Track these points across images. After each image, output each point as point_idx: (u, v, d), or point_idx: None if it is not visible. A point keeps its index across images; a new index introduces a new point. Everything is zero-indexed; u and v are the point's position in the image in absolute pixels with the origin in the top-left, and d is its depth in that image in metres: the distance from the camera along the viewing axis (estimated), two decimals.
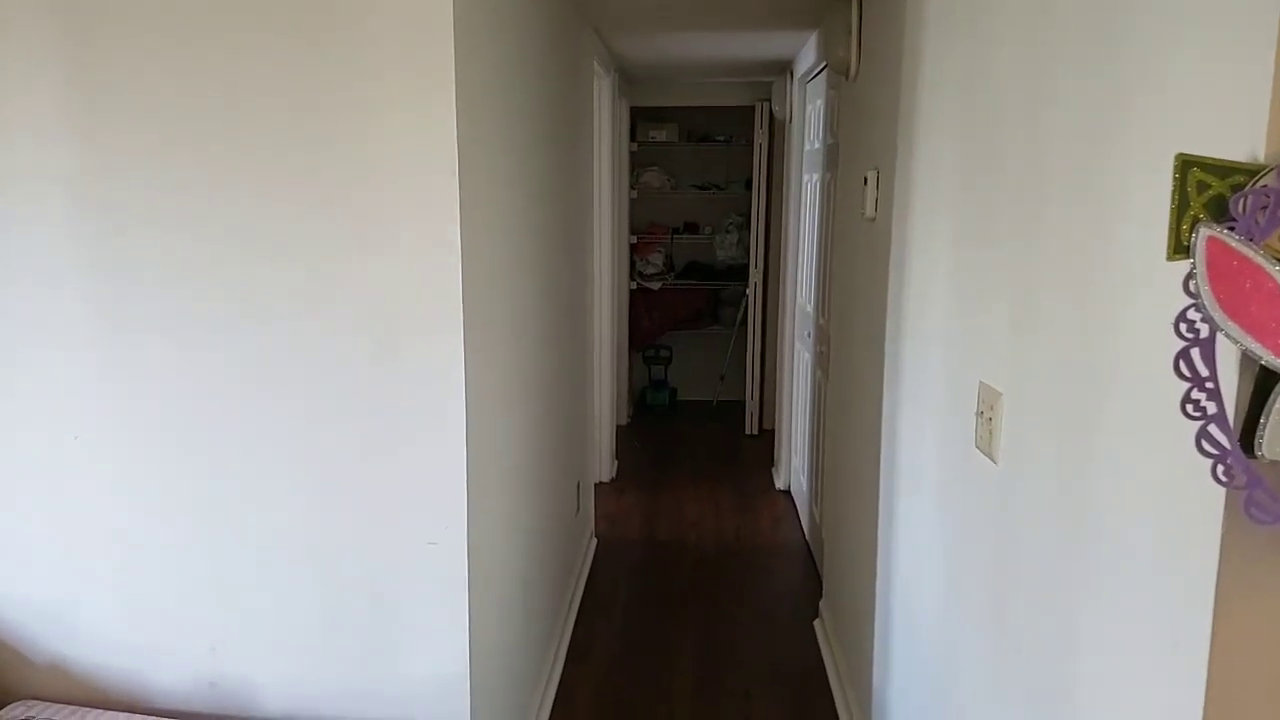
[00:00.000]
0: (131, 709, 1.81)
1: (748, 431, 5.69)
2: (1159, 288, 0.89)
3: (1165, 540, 0.93)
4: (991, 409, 1.42)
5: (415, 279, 1.67)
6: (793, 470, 4.57)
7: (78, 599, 1.82)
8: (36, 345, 1.74)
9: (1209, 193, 0.77)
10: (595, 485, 4.27)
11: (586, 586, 3.58)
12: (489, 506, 1.95)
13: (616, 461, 5.01)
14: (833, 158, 3.39)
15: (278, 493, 1.75)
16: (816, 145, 3.91)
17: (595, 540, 4.00)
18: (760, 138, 5.32)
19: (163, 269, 1.69)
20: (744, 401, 5.71)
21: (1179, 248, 0.79)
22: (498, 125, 1.98)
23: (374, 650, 1.80)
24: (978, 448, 1.49)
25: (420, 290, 1.67)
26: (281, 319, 1.69)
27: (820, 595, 3.38)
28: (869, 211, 2.44)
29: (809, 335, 4.03)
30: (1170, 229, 0.79)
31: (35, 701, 1.80)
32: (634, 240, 5.95)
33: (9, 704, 1.79)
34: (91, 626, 1.83)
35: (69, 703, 1.81)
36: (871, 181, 2.42)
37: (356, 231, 1.66)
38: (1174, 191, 0.78)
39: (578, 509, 3.53)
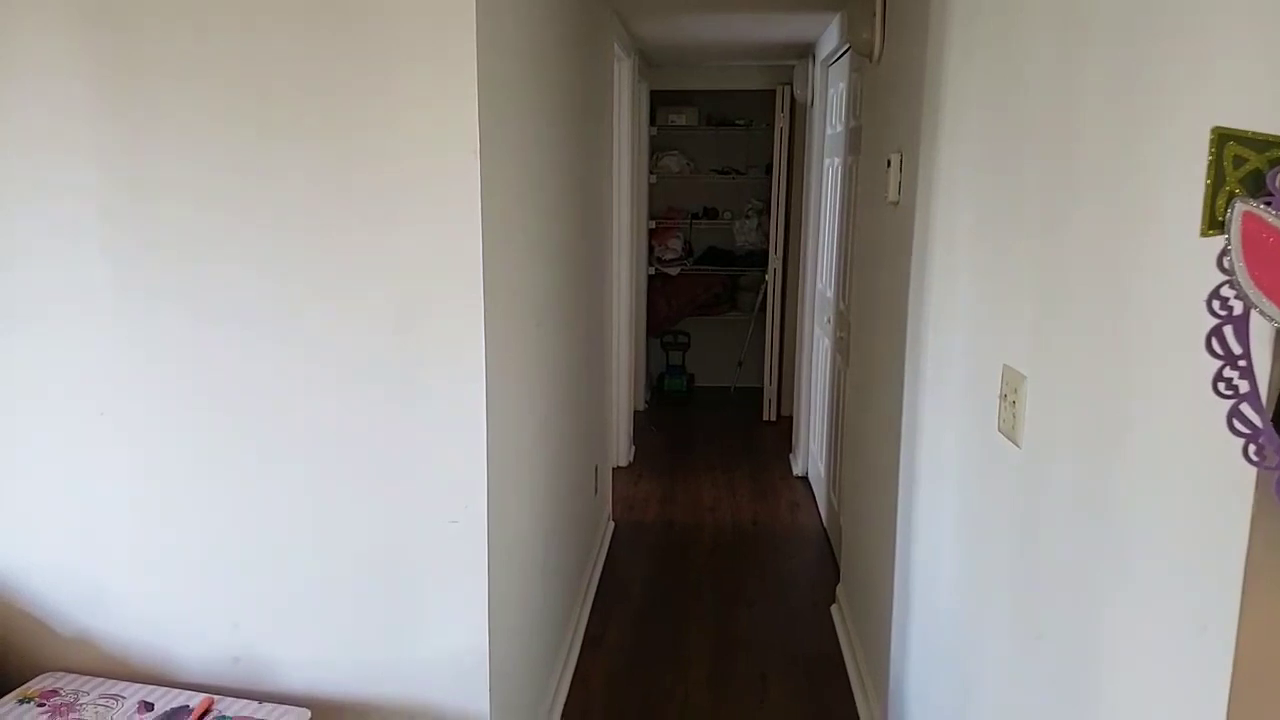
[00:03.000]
0: (157, 682, 1.83)
1: (766, 418, 5.68)
2: (1192, 264, 0.87)
3: (1193, 521, 0.92)
4: (1015, 392, 1.41)
5: (435, 261, 1.67)
6: (810, 456, 4.56)
7: (103, 573, 1.84)
8: (61, 319, 1.75)
9: (1246, 167, 0.75)
10: (612, 470, 4.28)
11: (603, 570, 3.59)
12: (508, 486, 1.96)
13: (634, 447, 5.02)
14: (855, 141, 3.36)
15: (300, 472, 1.77)
16: (838, 129, 3.88)
17: (612, 524, 4.02)
18: (781, 122, 5.28)
19: (186, 244, 1.70)
20: (762, 388, 5.70)
21: (1214, 223, 0.77)
22: (518, 108, 1.98)
23: (394, 629, 1.82)
24: (1000, 431, 1.48)
25: (440, 273, 1.68)
26: (303, 302, 1.70)
27: (838, 581, 3.38)
28: (892, 195, 2.42)
29: (828, 321, 4.01)
30: (1205, 204, 0.77)
31: (63, 673, 1.82)
32: (653, 225, 5.94)
33: (37, 675, 1.81)
34: (117, 600, 1.85)
35: (95, 674, 1.83)
36: (895, 165, 2.40)
37: (378, 213, 1.66)
38: (1210, 166, 0.77)
39: (595, 491, 3.54)
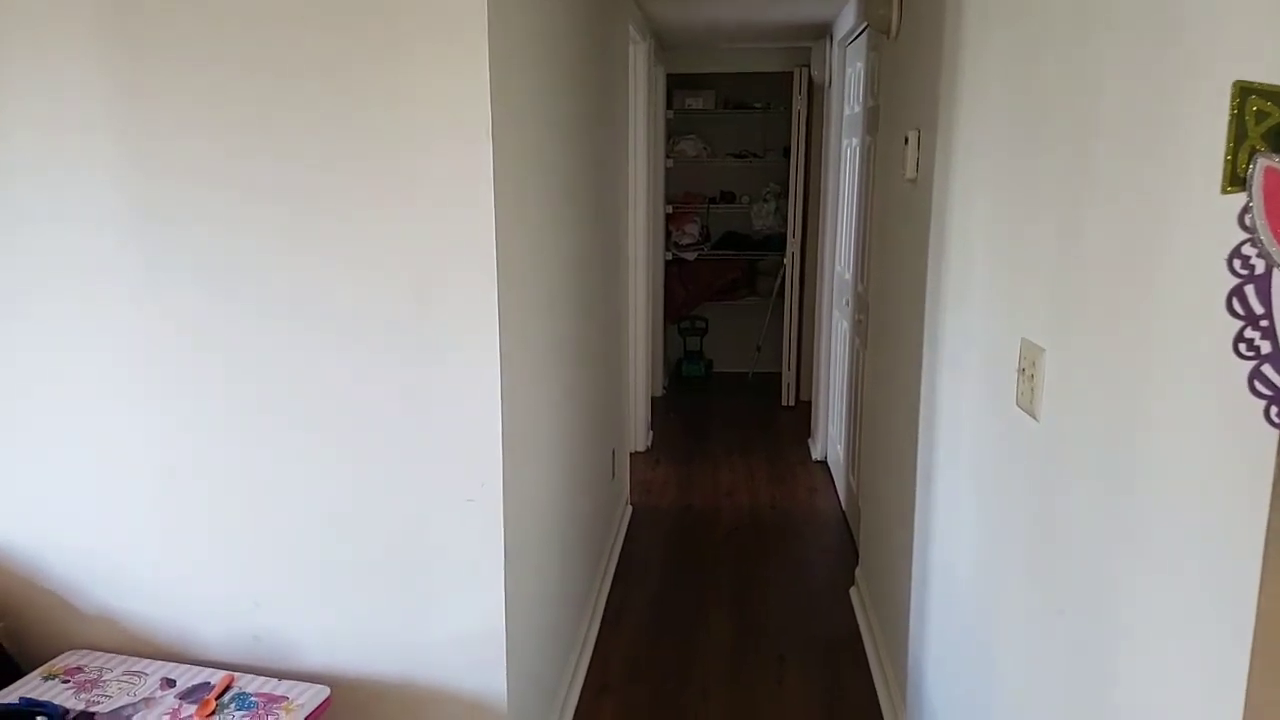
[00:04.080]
0: (178, 660, 1.85)
1: (784, 403, 5.66)
2: (1212, 223, 0.85)
3: (1213, 490, 0.91)
4: (1033, 365, 1.39)
5: (448, 240, 1.67)
6: (829, 440, 4.54)
7: (124, 552, 1.86)
8: (80, 300, 1.77)
9: (1268, 122, 0.74)
10: (630, 455, 4.28)
11: (621, 552, 3.59)
12: (524, 465, 1.96)
13: (651, 432, 5.02)
14: (873, 121, 3.33)
15: (318, 451, 1.78)
16: (856, 109, 3.85)
17: (630, 508, 4.02)
18: (799, 104, 5.24)
19: (202, 222, 1.71)
20: (780, 373, 5.68)
21: (1234, 179, 0.76)
22: (531, 91, 1.97)
23: (412, 607, 1.83)
24: (1018, 405, 1.46)
25: (453, 252, 1.68)
26: (319, 285, 1.71)
27: (856, 563, 3.37)
28: (909, 172, 2.40)
29: (847, 303, 3.99)
30: (1226, 160, 0.76)
31: (86, 651, 1.85)
32: (670, 210, 5.92)
33: (61, 653, 1.84)
34: (138, 579, 1.87)
35: (118, 652, 1.85)
36: (913, 141, 2.38)
37: (391, 192, 1.66)
38: (1231, 121, 0.75)
39: (613, 475, 3.54)
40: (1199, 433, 0.93)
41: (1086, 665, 1.21)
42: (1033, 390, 1.40)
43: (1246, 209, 0.75)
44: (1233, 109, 0.75)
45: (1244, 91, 0.74)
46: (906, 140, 2.44)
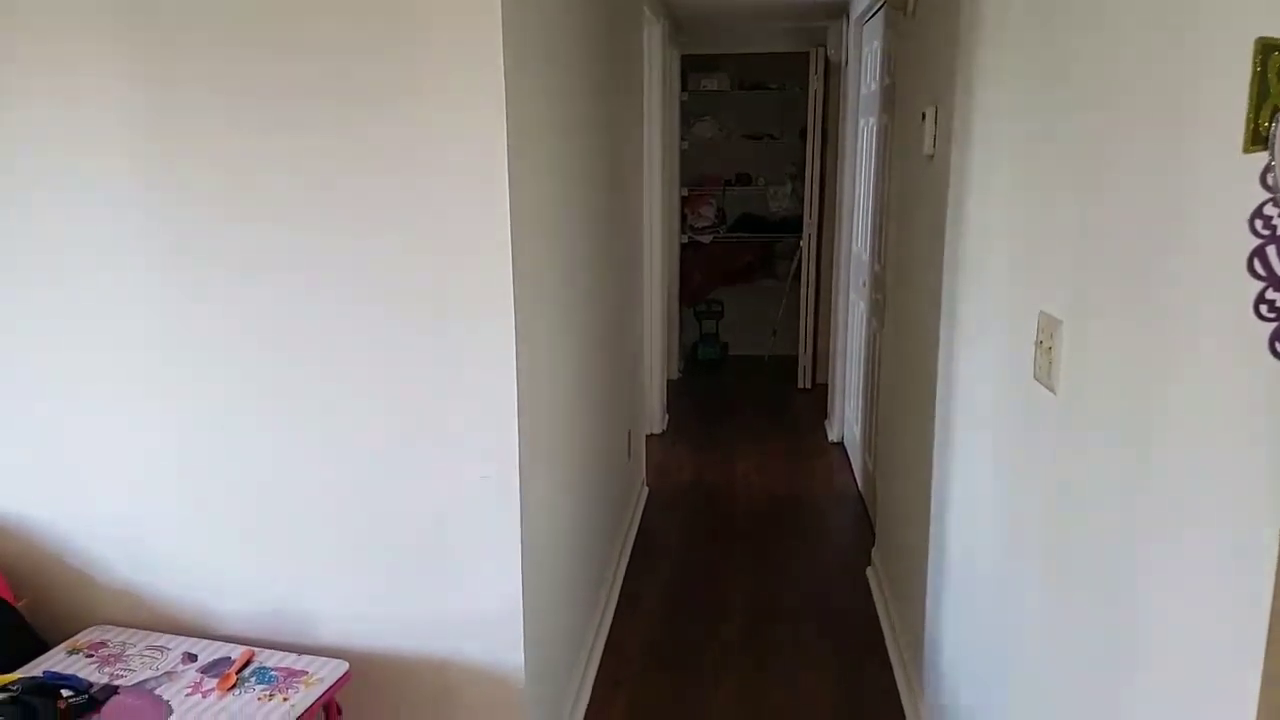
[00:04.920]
0: (200, 635, 1.87)
1: (800, 385, 5.65)
2: (1233, 183, 0.84)
3: (1233, 456, 0.89)
4: (1051, 337, 1.38)
5: (462, 218, 1.67)
6: (846, 421, 4.53)
7: (146, 529, 1.88)
8: (102, 277, 1.78)
9: None
10: (646, 437, 4.28)
11: (638, 534, 3.60)
12: (540, 443, 1.96)
13: (667, 415, 5.02)
14: (890, 100, 3.30)
15: (335, 429, 1.79)
16: (873, 88, 3.81)
17: (646, 489, 4.03)
18: (815, 84, 5.20)
19: (219, 201, 1.72)
20: (797, 356, 5.66)
21: (1256, 139, 0.74)
22: (545, 73, 1.96)
23: (429, 583, 1.84)
24: (1036, 379, 1.45)
25: (468, 230, 1.68)
26: (335, 265, 1.71)
27: (872, 544, 3.36)
28: (927, 149, 2.38)
29: (864, 284, 3.97)
30: (1248, 119, 0.74)
31: (109, 626, 1.87)
32: (685, 193, 5.90)
33: (85, 628, 1.86)
34: (160, 556, 1.89)
35: (140, 627, 1.88)
36: (930, 118, 2.36)
37: (405, 171, 1.67)
38: (1253, 79, 0.74)
39: (629, 455, 3.55)
40: (1219, 400, 0.92)
41: (1105, 637, 1.20)
42: (1050, 363, 1.39)
43: (1269, 168, 0.74)
44: (1255, 67, 0.74)
45: (1266, 49, 0.73)
46: (924, 117, 2.42)
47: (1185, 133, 0.98)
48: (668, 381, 5.18)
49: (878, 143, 3.61)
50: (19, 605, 1.83)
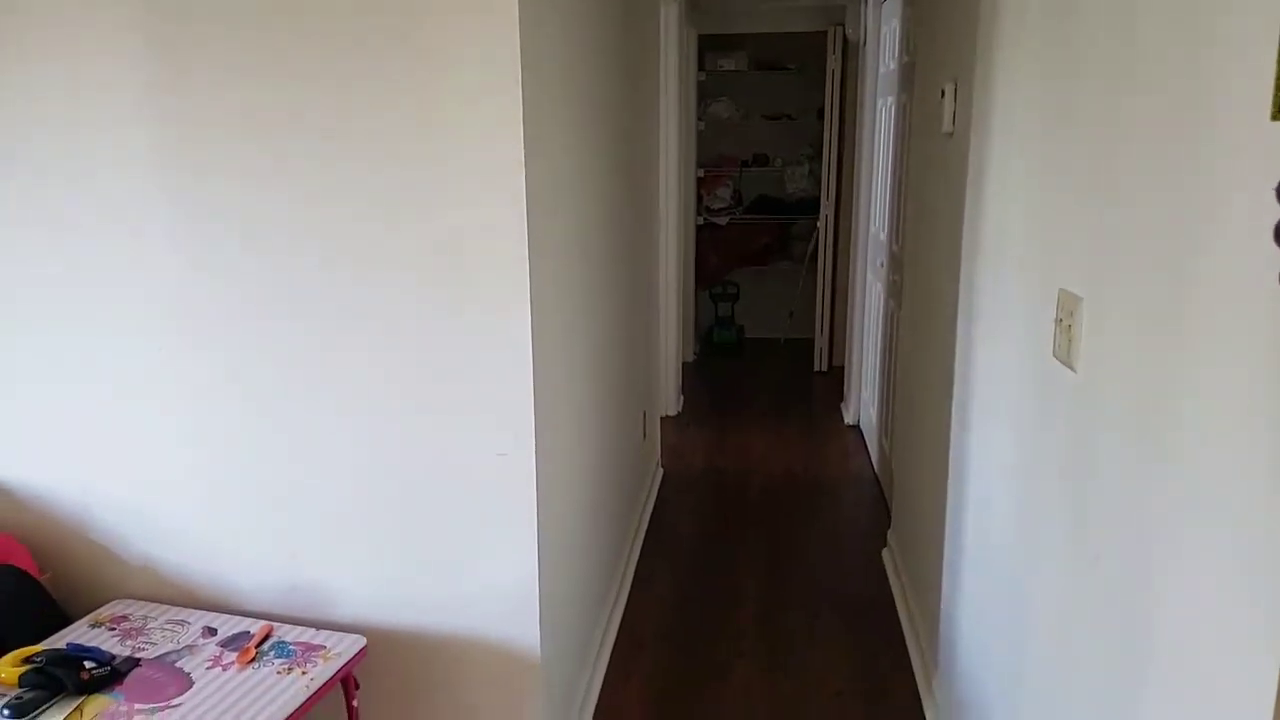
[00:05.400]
0: (219, 609, 1.89)
1: (817, 368, 5.63)
2: (1259, 153, 0.82)
3: (1254, 431, 0.88)
4: (1071, 315, 1.37)
5: (478, 193, 1.67)
6: (862, 404, 4.51)
7: (167, 505, 1.90)
8: (117, 256, 1.79)
9: None
10: (661, 420, 4.29)
11: (652, 514, 3.61)
12: (556, 420, 1.97)
13: (682, 397, 5.02)
14: (908, 78, 3.27)
15: (352, 406, 1.80)
16: (891, 66, 3.78)
17: (661, 470, 4.03)
18: (833, 63, 5.16)
19: (234, 177, 1.72)
20: (813, 339, 5.64)
21: None
22: (561, 53, 1.95)
23: (446, 560, 1.85)
24: (1055, 357, 1.44)
25: (483, 204, 1.68)
26: (351, 236, 1.72)
27: (888, 526, 3.36)
28: (946, 126, 2.35)
29: (881, 265, 3.94)
30: (1276, 85, 0.73)
31: (130, 600, 1.90)
32: (701, 174, 5.87)
33: (107, 602, 1.89)
34: (180, 532, 1.91)
35: (161, 602, 1.90)
36: (949, 94, 2.33)
37: (420, 145, 1.66)
38: None
39: (644, 436, 3.55)
40: (1241, 374, 0.90)
41: (1122, 617, 1.19)
42: (1070, 341, 1.37)
43: None
44: None
45: None
46: (943, 93, 2.39)
47: (1210, 102, 0.96)
48: (683, 364, 5.18)
49: (896, 122, 3.58)
50: (43, 579, 1.86)
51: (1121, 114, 1.21)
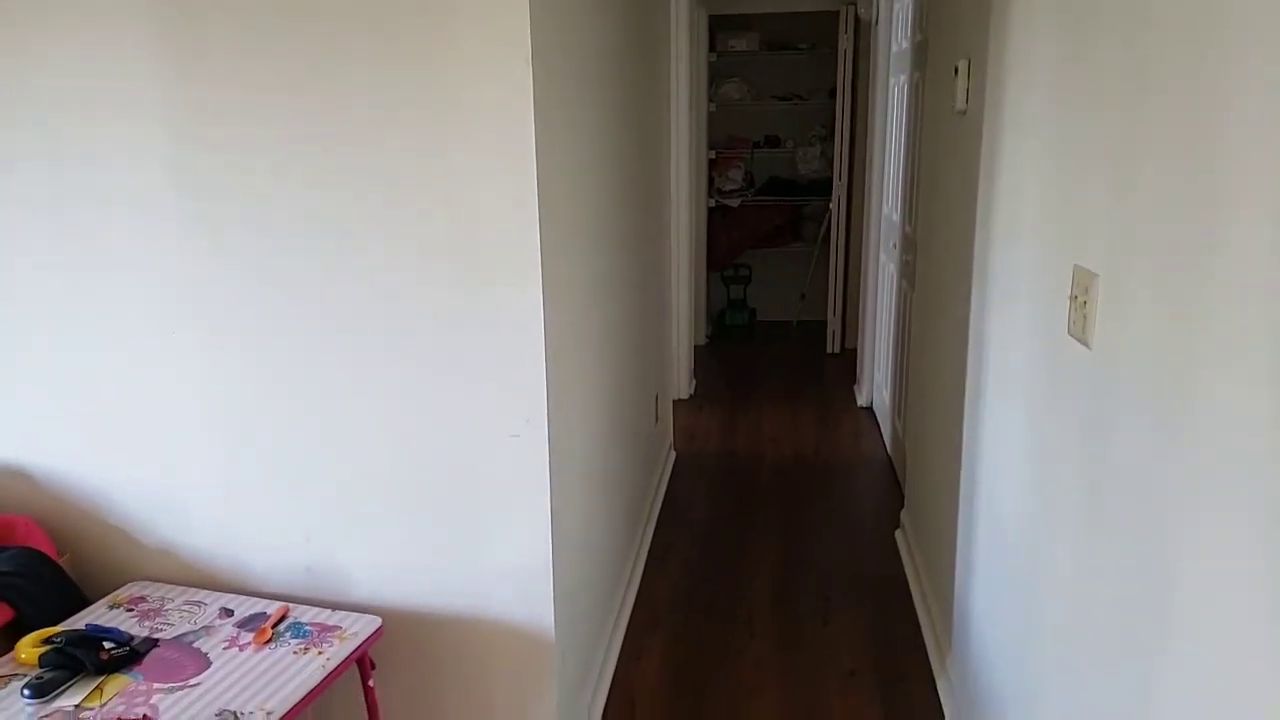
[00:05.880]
0: (236, 591, 1.91)
1: (829, 350, 5.61)
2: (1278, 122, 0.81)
3: (1275, 413, 0.87)
4: (1086, 291, 1.36)
5: (489, 175, 1.67)
6: (875, 386, 4.50)
7: (184, 488, 1.92)
8: (133, 237, 1.80)
9: None
10: (673, 403, 4.28)
11: (665, 496, 3.62)
12: (568, 402, 1.97)
13: (694, 380, 5.02)
14: (921, 56, 3.24)
15: (366, 387, 1.80)
16: (904, 45, 3.74)
17: (674, 453, 4.04)
18: (845, 43, 5.11)
19: (249, 160, 1.73)
20: (825, 321, 5.62)
21: None
22: (570, 37, 1.94)
23: (460, 541, 1.86)
24: (1070, 334, 1.43)
25: (494, 186, 1.67)
26: (364, 219, 1.72)
27: (901, 507, 3.35)
28: (959, 103, 2.33)
29: (894, 246, 3.92)
30: None
31: (148, 582, 1.91)
32: (712, 155, 5.84)
33: (125, 583, 1.91)
34: (197, 514, 1.92)
35: (178, 583, 1.92)
36: (963, 72, 2.31)
37: (432, 127, 1.66)
38: None
39: (656, 419, 3.55)
40: (1260, 351, 0.89)
41: (1135, 594, 1.19)
42: (1085, 318, 1.36)
43: None
44: None
45: None
46: (956, 71, 2.37)
47: (1227, 73, 0.95)
48: (695, 347, 5.17)
49: (909, 101, 3.55)
50: (61, 561, 1.88)
51: (1140, 89, 1.20)
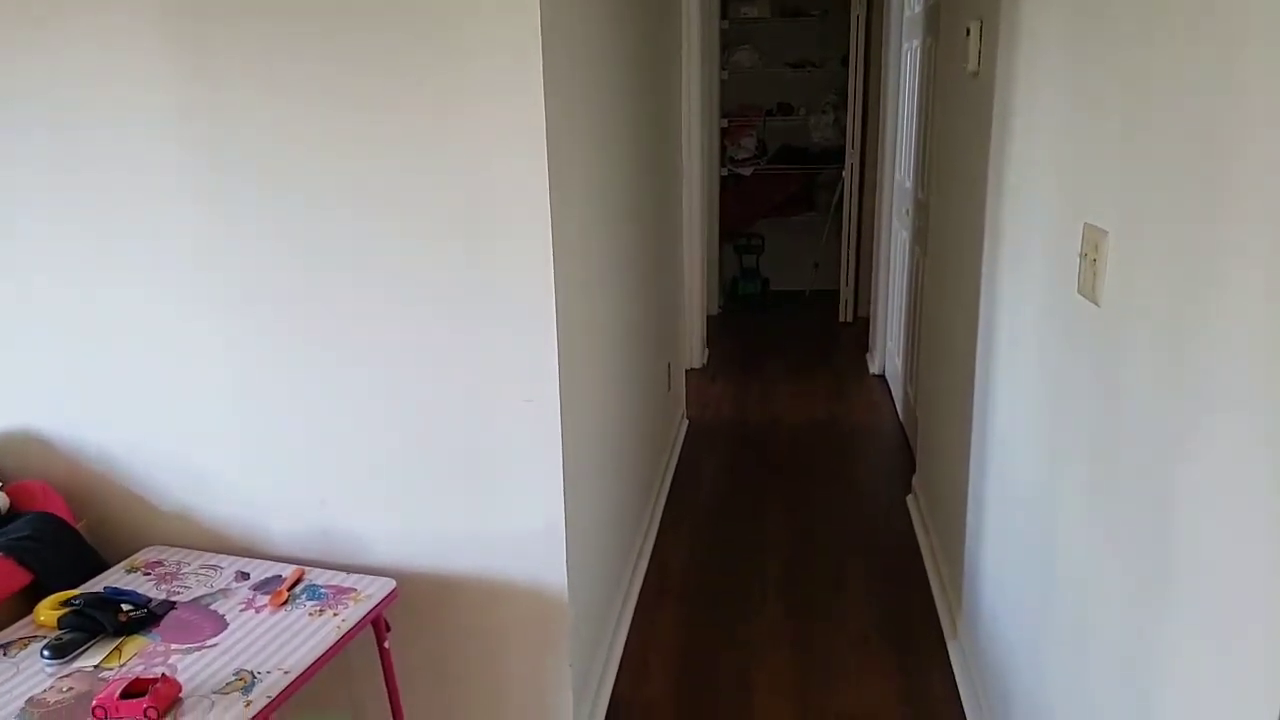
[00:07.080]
0: (252, 555, 1.93)
1: (842, 319, 5.59)
2: None
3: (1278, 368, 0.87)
4: (1096, 249, 1.34)
5: (500, 144, 1.67)
6: (887, 353, 4.49)
7: (201, 453, 1.94)
8: (151, 208, 1.81)
9: None
10: (686, 372, 4.29)
11: (678, 463, 3.63)
12: (580, 367, 1.97)
13: (707, 349, 5.01)
14: (934, 20, 3.20)
15: (381, 353, 1.81)
16: (917, 9, 3.69)
17: (686, 421, 4.04)
18: (858, 8, 5.05)
19: (264, 129, 1.73)
20: (838, 290, 5.60)
21: None
22: (579, 6, 1.92)
23: (473, 504, 1.87)
24: (1080, 293, 1.42)
25: (505, 155, 1.67)
26: (376, 184, 1.72)
27: (914, 473, 3.35)
28: (972, 65, 2.30)
29: (907, 212, 3.89)
30: None
31: (165, 546, 1.94)
32: (725, 124, 5.80)
33: (142, 548, 1.94)
34: (212, 478, 1.95)
35: (194, 548, 1.94)
36: (974, 33, 2.28)
37: (442, 95, 1.66)
38: None
39: (668, 387, 3.56)
40: (1267, 306, 0.89)
41: (1144, 552, 1.19)
42: (1095, 275, 1.35)
43: None
44: None
45: None
46: (968, 32, 2.34)
47: (1240, 34, 0.93)
48: (707, 317, 5.16)
49: (922, 65, 3.51)
50: (78, 526, 1.91)
51: (1149, 49, 1.18)
